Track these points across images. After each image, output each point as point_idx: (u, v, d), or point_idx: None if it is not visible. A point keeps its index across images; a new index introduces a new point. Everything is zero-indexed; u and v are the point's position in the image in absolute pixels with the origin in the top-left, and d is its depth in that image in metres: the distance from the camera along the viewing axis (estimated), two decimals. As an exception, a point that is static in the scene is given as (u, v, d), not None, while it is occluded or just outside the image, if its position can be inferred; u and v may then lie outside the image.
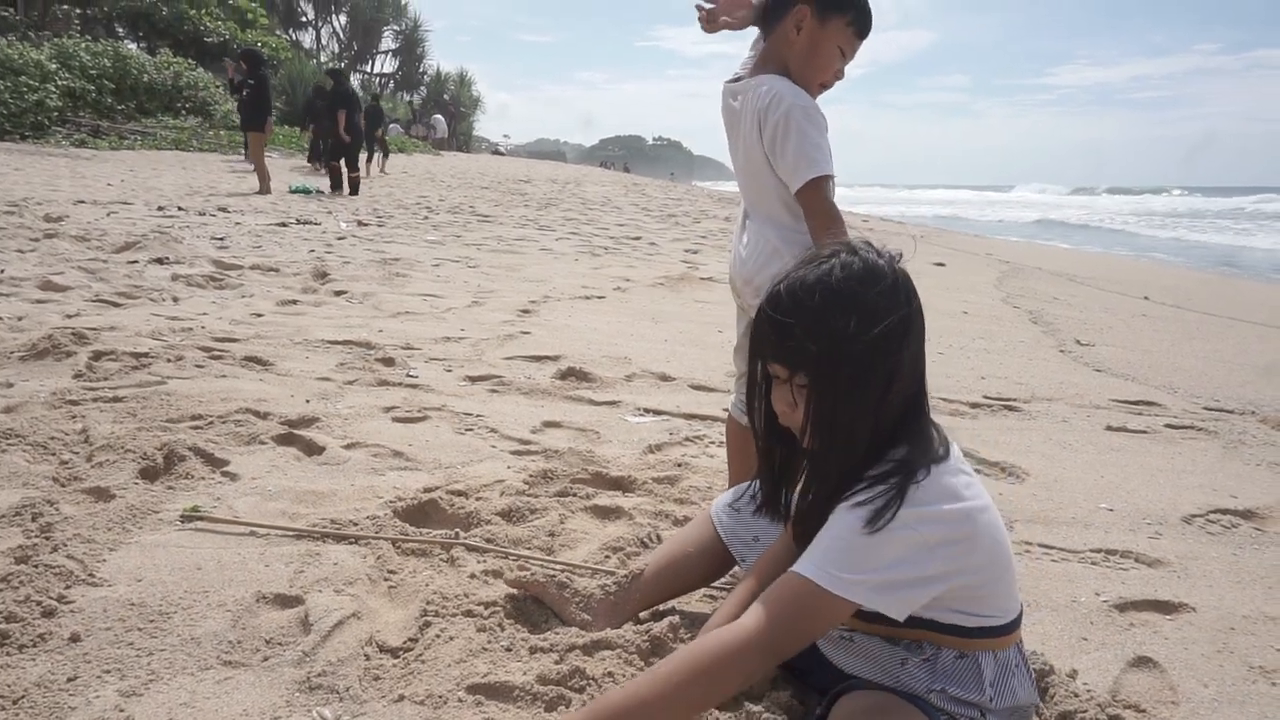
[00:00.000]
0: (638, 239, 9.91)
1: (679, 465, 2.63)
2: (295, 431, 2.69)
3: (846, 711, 1.32)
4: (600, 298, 5.82)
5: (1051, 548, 2.24)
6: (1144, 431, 3.45)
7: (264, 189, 12.08)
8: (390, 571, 1.86)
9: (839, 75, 1.99)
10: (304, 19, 45.51)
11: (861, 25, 1.95)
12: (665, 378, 3.72)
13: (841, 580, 1.24)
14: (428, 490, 2.28)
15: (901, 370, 1.30)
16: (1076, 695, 1.46)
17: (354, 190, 13.21)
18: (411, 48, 47.77)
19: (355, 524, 2.07)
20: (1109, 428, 3.47)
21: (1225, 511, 2.56)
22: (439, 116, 24.16)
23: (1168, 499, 2.65)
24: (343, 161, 13.32)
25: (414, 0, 48.95)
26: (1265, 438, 3.43)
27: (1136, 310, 7.68)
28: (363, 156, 15.80)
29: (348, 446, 2.63)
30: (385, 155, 20.94)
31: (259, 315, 4.46)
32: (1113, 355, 5.17)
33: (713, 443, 2.91)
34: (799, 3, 1.91)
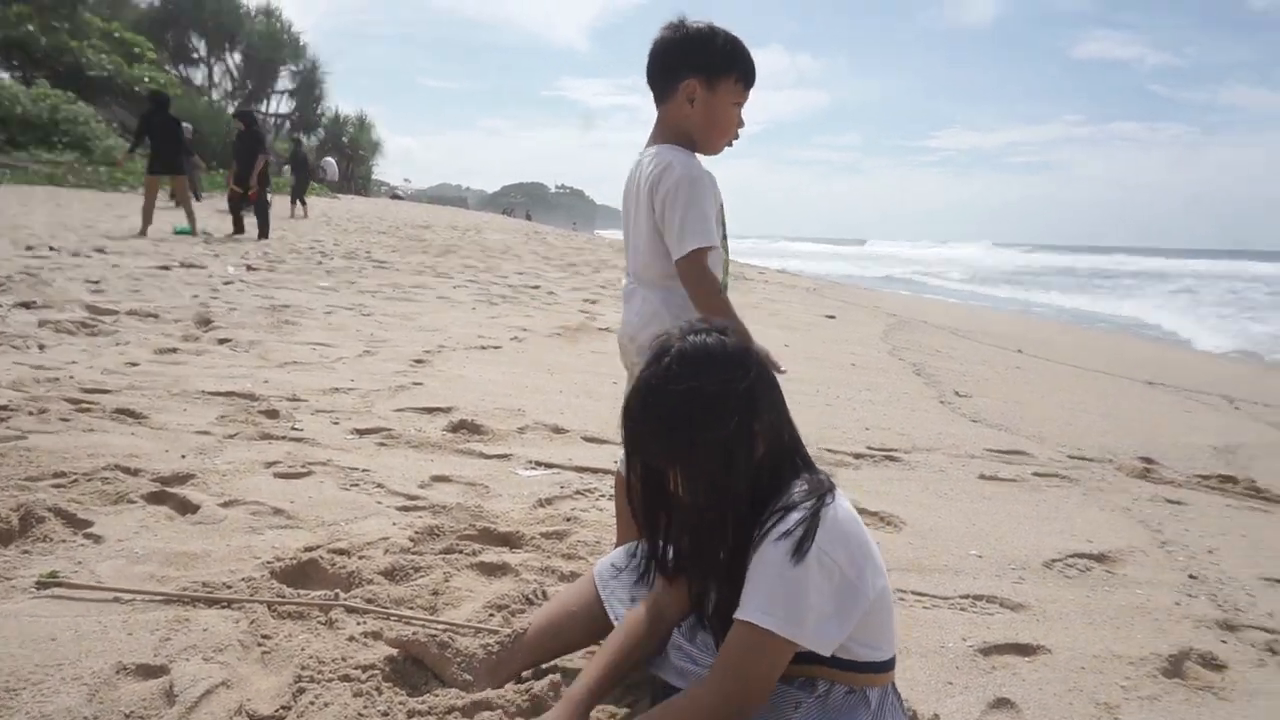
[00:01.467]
0: (537, 287, 9.94)
1: (568, 519, 2.64)
2: (168, 489, 2.58)
3: None
4: (496, 347, 5.80)
5: (924, 595, 2.34)
6: (1013, 480, 3.65)
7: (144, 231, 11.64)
8: (264, 636, 1.80)
9: (740, 125, 2.08)
10: (195, 55, 44.20)
11: (748, 77, 2.02)
12: (559, 430, 3.74)
13: (784, 619, 1.31)
14: (308, 549, 2.22)
15: (758, 434, 1.40)
16: (939, 739, 1.53)
17: (264, 233, 12.87)
18: (310, 88, 46.97)
19: (229, 586, 1.99)
20: (982, 476, 3.66)
21: (1081, 555, 2.73)
22: (330, 159, 23.77)
23: (1031, 545, 2.81)
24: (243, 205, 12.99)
25: (314, 40, 48.27)
26: (1120, 484, 3.68)
27: (1011, 363, 8.14)
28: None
29: (225, 504, 2.53)
30: (304, 201, 20.92)
31: (134, 364, 4.25)
32: (988, 406, 5.46)
33: (603, 495, 2.93)
34: (686, 77, 1.98)
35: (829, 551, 1.33)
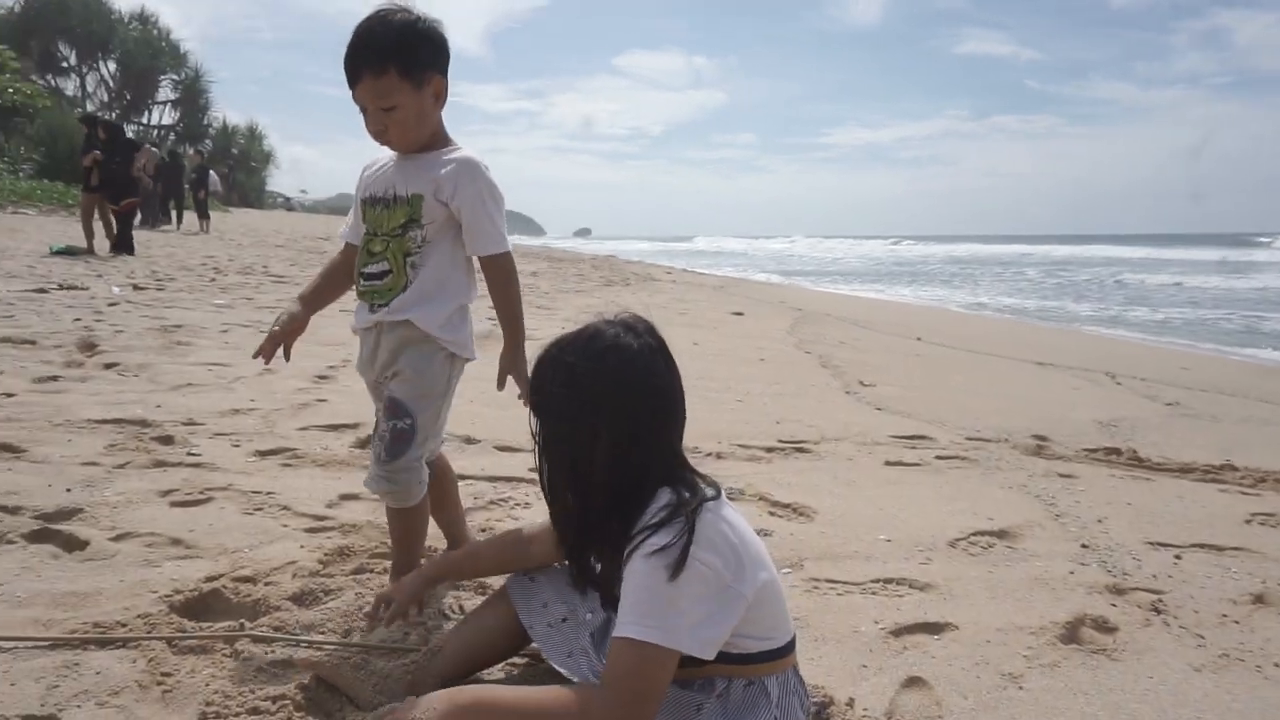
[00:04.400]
0: (444, 296, 9.77)
1: (483, 530, 2.60)
2: (52, 526, 2.43)
3: None
4: (404, 359, 5.66)
5: (836, 582, 2.40)
6: (917, 464, 3.78)
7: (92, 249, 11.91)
8: (164, 674, 1.71)
9: (373, 126, 1.97)
10: (65, 64, 41.77)
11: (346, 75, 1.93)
12: (469, 440, 3.68)
13: (660, 630, 1.33)
14: (210, 579, 2.13)
15: (616, 442, 1.44)
16: (855, 722, 1.57)
17: (129, 249, 12.30)
18: (194, 98, 44.96)
19: (124, 625, 1.89)
20: (888, 463, 3.78)
21: (983, 533, 2.85)
22: (210, 172, 22.98)
23: (936, 525, 2.92)
24: (113, 217, 12.38)
25: (197, 48, 46.32)
26: (1016, 463, 3.86)
27: (911, 350, 8.44)
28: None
29: (116, 538, 2.40)
30: (207, 215, 20.19)
31: (10, 395, 3.99)
32: (891, 394, 5.64)
33: (517, 505, 2.91)
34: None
35: (702, 560, 1.36)
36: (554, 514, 1.59)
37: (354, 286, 2.13)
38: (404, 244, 2.02)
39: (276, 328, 2.04)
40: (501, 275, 2.08)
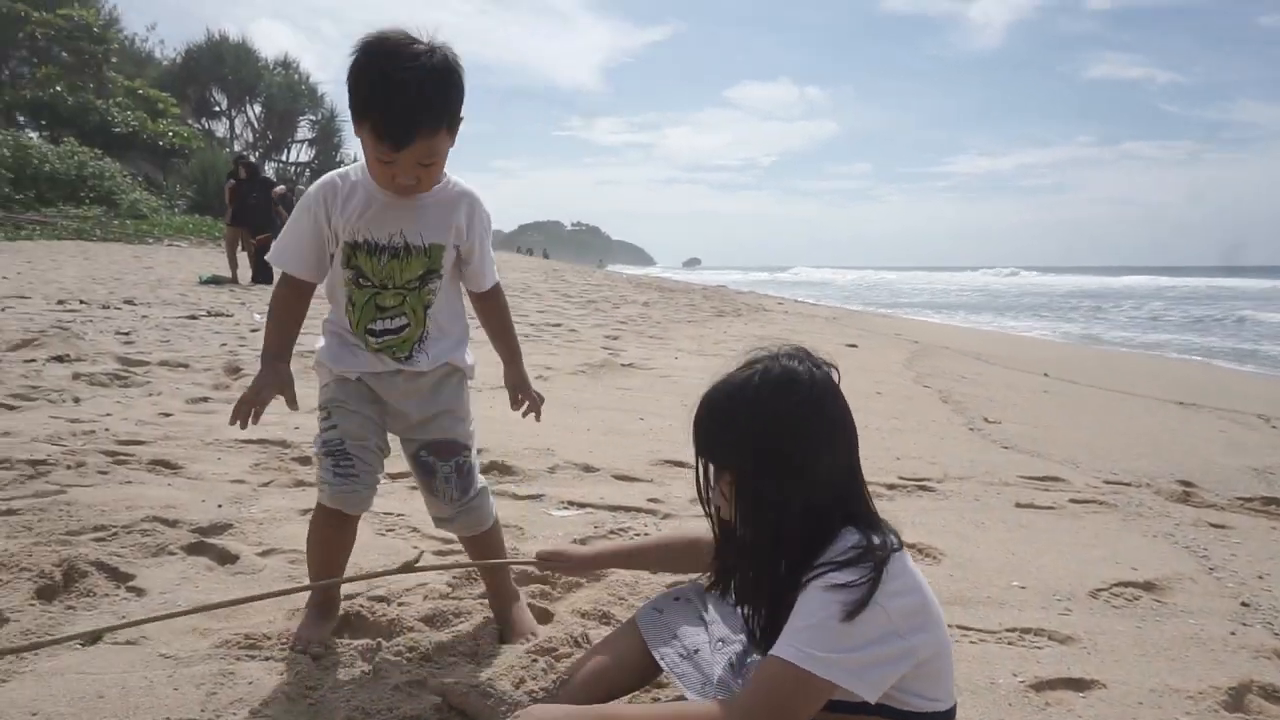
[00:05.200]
0: (558, 325, 9.99)
1: (605, 560, 2.62)
2: (207, 540, 2.59)
3: None
4: (522, 387, 5.80)
5: (969, 629, 2.30)
6: (1051, 507, 3.60)
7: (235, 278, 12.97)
8: (309, 688, 1.79)
9: (404, 180, 1.76)
10: (217, 108, 45.22)
11: (383, 131, 1.68)
12: (588, 468, 3.73)
13: (822, 661, 1.30)
14: (347, 598, 2.22)
15: (815, 473, 1.38)
16: (999, 781, 1.49)
17: (267, 278, 13.18)
18: (328, 136, 47.80)
19: (269, 638, 1.99)
20: (1018, 504, 3.61)
21: (1128, 584, 2.68)
22: None
23: (1075, 573, 2.76)
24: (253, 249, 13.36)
25: (331, 90, 49.25)
26: (1160, 509, 3.62)
27: (1038, 387, 8.07)
28: None
29: (263, 554, 2.54)
30: None
31: (167, 415, 4.30)
32: (1018, 432, 5.40)
33: (636, 534, 2.92)
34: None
35: (884, 605, 1.32)
36: (733, 554, 1.54)
37: (350, 337, 2.00)
38: (424, 296, 1.94)
39: (256, 394, 1.88)
40: (501, 303, 2.14)
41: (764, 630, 1.50)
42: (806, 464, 1.39)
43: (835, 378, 1.47)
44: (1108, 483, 4.09)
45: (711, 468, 1.48)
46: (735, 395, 1.43)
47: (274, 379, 1.92)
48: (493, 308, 2.11)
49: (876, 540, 1.38)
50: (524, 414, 2.17)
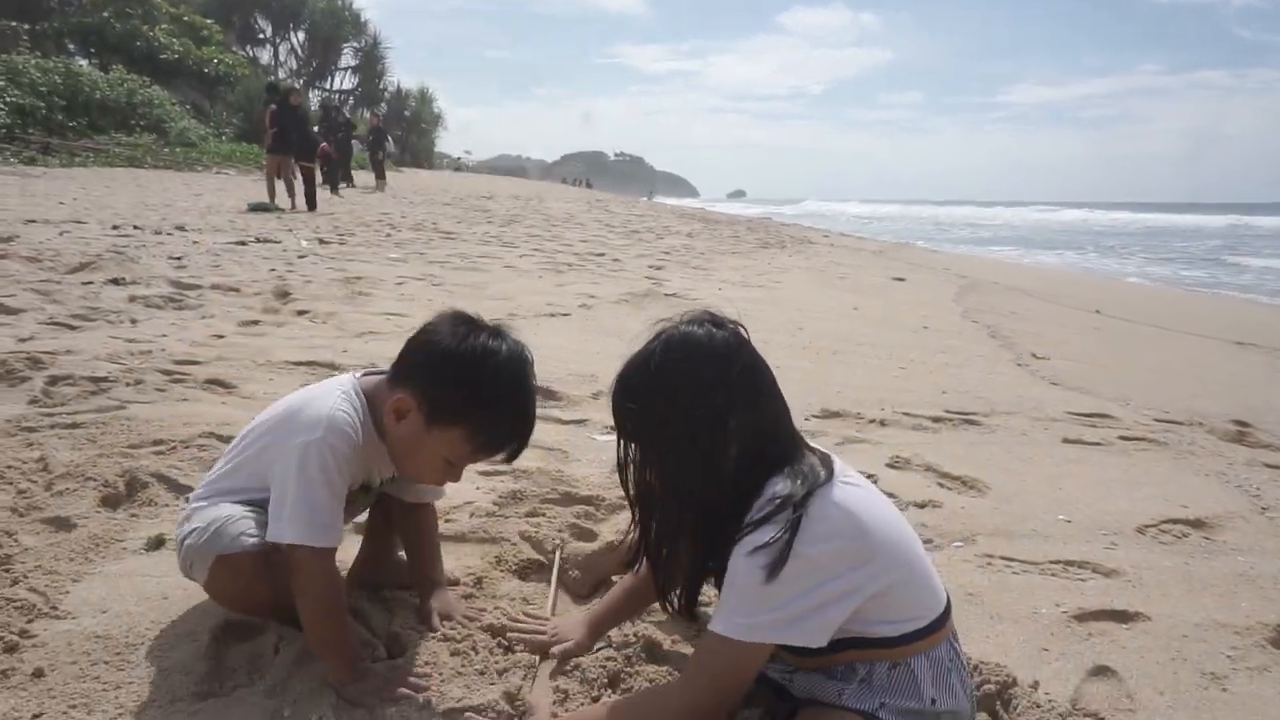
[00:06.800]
0: (602, 255, 9.95)
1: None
2: (260, 456, 2.66)
3: None
4: (565, 315, 5.83)
5: (1012, 560, 2.29)
6: (1099, 444, 3.54)
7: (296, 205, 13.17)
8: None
9: (456, 480, 1.68)
10: (261, 35, 45.10)
11: (491, 441, 1.59)
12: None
13: (751, 627, 1.30)
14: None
15: (732, 431, 1.36)
16: (1038, 705, 1.50)
17: (312, 205, 13.30)
18: (371, 64, 47.55)
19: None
20: (1065, 440, 3.56)
21: (1177, 521, 2.64)
22: (386, 134, 24.53)
23: (1123, 510, 2.73)
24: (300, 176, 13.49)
25: (374, 17, 48.82)
26: (1212, 448, 3.54)
27: (1089, 324, 7.88)
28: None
29: (314, 470, 2.61)
30: (383, 175, 21.38)
31: (220, 337, 4.40)
32: (1067, 368, 5.30)
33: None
34: (400, 389, 1.60)
35: (807, 555, 1.29)
36: (654, 532, 1.51)
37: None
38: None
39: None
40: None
41: (685, 599, 1.53)
42: (718, 425, 1.36)
43: (743, 335, 1.42)
44: (1159, 421, 4.00)
45: (633, 447, 1.45)
46: (640, 369, 1.41)
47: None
48: (429, 520, 1.92)
49: (797, 484, 1.34)
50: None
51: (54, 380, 3.29)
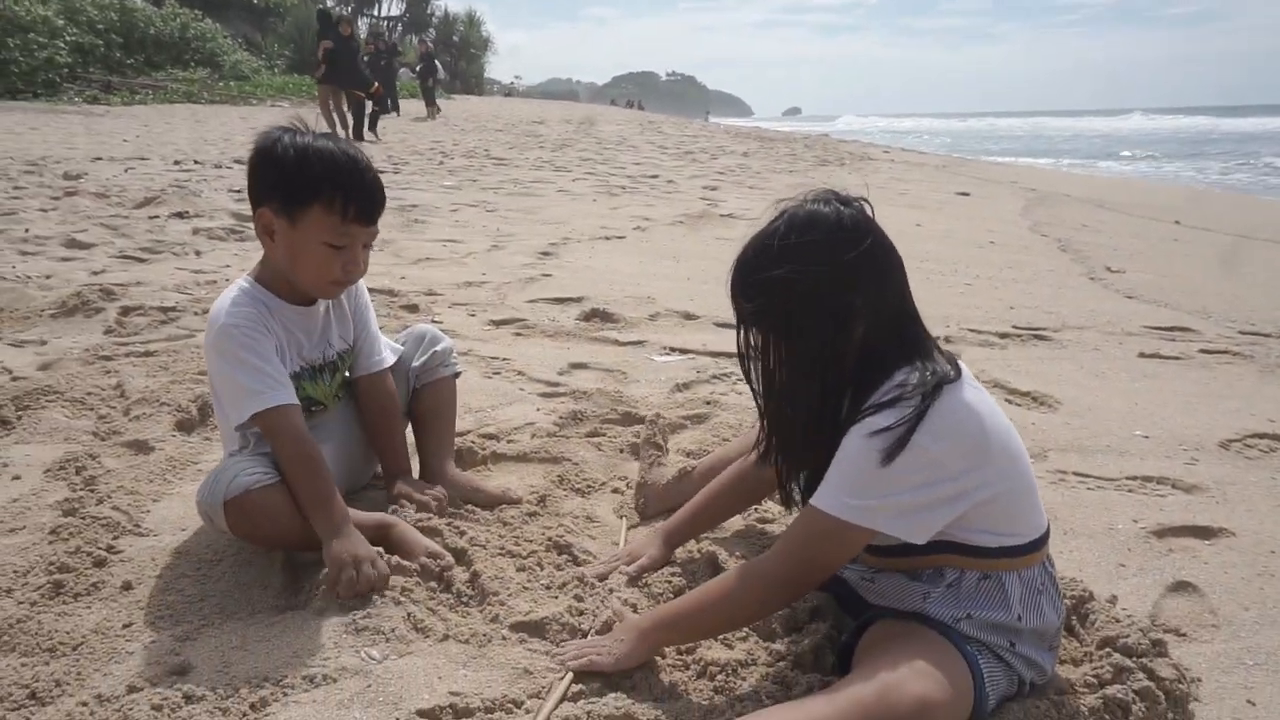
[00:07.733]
0: (655, 177, 9.79)
1: (708, 403, 2.63)
2: (325, 380, 2.70)
3: (872, 639, 1.33)
4: (620, 238, 5.77)
5: (1087, 476, 2.22)
6: (1178, 358, 3.40)
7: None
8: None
9: (354, 266, 1.68)
10: (307, -38, 44.63)
11: (349, 205, 1.61)
12: (689, 316, 3.70)
13: (859, 509, 1.26)
14: (459, 435, 2.29)
15: (858, 311, 1.30)
16: (1117, 620, 1.46)
17: (372, 126, 13.53)
18: (418, -11, 46.83)
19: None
20: (1142, 354, 3.42)
21: (1263, 436, 2.53)
22: (435, 60, 24.13)
23: (1203, 425, 2.62)
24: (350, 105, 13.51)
25: (419, -60, 47.79)
26: (1302, 360, 3.37)
27: (1167, 235, 7.53)
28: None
29: (378, 394, 2.64)
30: (434, 102, 21.15)
31: (281, 266, 4.46)
32: (1144, 282, 5.08)
33: (739, 380, 2.90)
34: (257, 205, 1.65)
35: (925, 446, 1.24)
36: (788, 420, 1.43)
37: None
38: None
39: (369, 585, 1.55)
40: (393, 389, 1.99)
41: (805, 493, 1.43)
42: (845, 304, 1.30)
43: (869, 212, 1.35)
44: (1243, 333, 3.82)
45: (753, 333, 1.39)
46: (762, 250, 1.33)
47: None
48: (386, 395, 1.94)
49: (927, 375, 1.28)
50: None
51: (126, 311, 3.38)
